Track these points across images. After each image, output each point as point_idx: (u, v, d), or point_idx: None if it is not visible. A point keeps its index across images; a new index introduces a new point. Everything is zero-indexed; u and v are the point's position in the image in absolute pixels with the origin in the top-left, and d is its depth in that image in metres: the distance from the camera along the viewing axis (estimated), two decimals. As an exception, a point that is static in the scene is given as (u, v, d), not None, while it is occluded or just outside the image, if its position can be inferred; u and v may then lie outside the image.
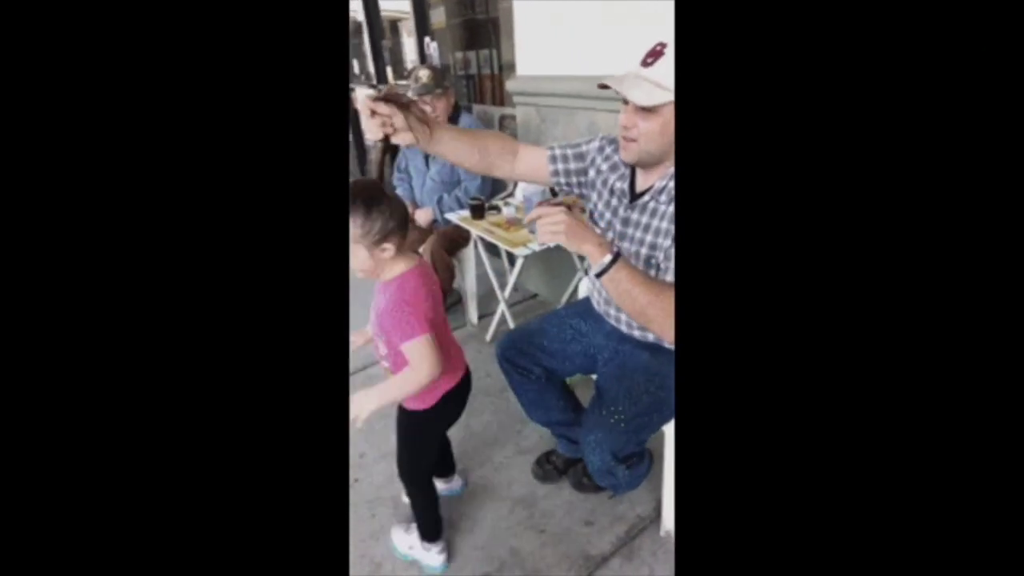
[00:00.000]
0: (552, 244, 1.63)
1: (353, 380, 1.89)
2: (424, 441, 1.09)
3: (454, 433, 1.58)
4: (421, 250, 2.03)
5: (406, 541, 1.20)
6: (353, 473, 1.46)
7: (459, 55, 2.84)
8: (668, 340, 0.86)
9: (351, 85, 4.13)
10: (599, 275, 0.85)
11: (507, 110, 2.50)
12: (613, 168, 1.07)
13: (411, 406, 1.02)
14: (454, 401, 1.04)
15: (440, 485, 1.31)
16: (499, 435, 1.58)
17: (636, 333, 1.09)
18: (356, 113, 4.52)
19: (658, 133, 0.89)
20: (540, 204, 1.05)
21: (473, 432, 1.59)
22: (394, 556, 1.21)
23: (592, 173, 1.11)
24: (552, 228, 0.85)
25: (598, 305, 1.16)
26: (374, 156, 0.88)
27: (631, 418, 1.00)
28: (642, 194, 1.01)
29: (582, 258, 1.81)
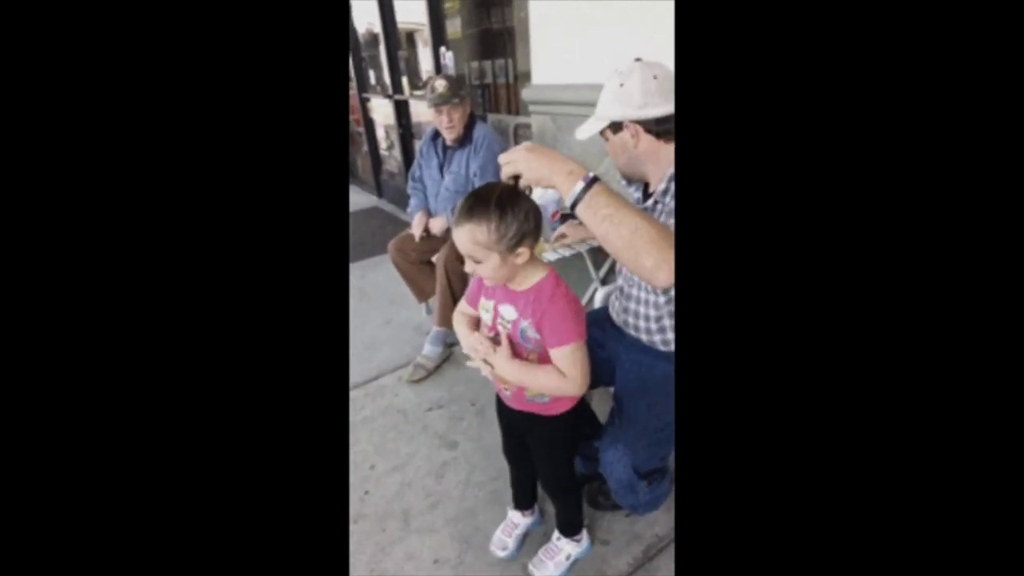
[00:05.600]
0: (567, 252, 1.61)
1: (366, 389, 1.88)
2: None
3: (465, 446, 1.56)
4: (435, 259, 2.01)
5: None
6: (364, 485, 1.44)
7: (474, 64, 2.85)
8: (659, 281, 0.69)
9: (366, 95, 4.18)
10: (573, 206, 0.73)
11: (522, 119, 2.49)
12: (630, 182, 1.10)
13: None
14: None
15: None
16: (512, 448, 1.54)
17: (659, 345, 1.06)
18: (372, 123, 4.51)
19: (618, 153, 1.00)
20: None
21: (485, 445, 1.56)
22: (404, 569, 1.18)
23: None
24: (511, 164, 0.77)
25: (617, 316, 1.14)
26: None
27: (653, 432, 0.97)
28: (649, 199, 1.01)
29: (597, 268, 1.78)
